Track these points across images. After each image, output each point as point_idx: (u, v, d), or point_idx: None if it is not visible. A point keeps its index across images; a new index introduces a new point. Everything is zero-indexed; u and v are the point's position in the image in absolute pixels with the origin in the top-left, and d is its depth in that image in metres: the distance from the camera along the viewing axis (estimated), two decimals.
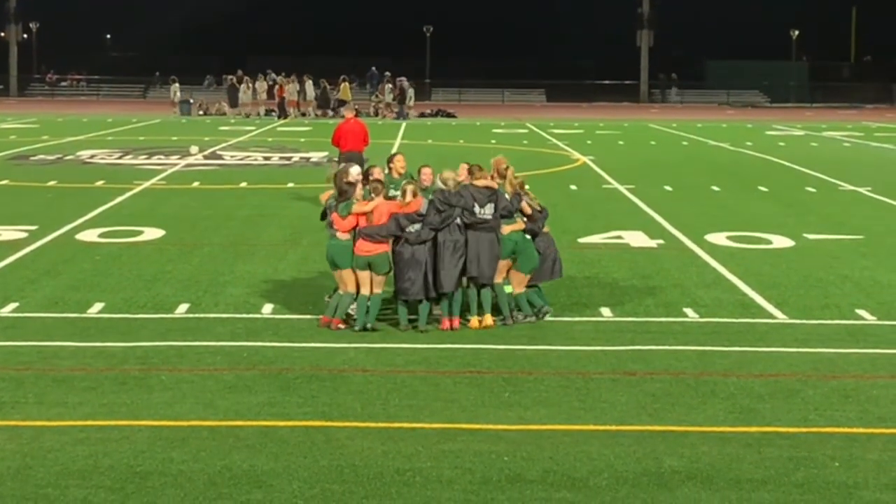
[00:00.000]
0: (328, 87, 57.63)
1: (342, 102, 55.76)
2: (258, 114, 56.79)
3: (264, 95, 58.36)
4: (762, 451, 8.86)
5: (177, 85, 62.14)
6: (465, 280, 12.68)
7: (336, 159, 22.29)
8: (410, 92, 57.20)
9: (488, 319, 12.62)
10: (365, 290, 12.45)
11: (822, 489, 8.14)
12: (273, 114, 56.08)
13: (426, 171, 13.55)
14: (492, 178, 12.94)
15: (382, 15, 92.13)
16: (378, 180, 12.93)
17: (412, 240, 12.41)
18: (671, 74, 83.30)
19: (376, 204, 12.45)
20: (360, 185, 12.77)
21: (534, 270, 12.87)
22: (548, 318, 12.91)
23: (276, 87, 57.19)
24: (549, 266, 13.08)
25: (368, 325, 12.40)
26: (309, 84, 57.37)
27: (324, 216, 13.10)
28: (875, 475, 8.41)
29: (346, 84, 57.49)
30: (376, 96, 58.45)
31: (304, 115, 56.74)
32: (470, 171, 12.82)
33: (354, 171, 13.28)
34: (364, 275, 12.44)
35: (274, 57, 72.81)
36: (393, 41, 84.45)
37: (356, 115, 23.80)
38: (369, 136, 22.41)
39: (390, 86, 58.01)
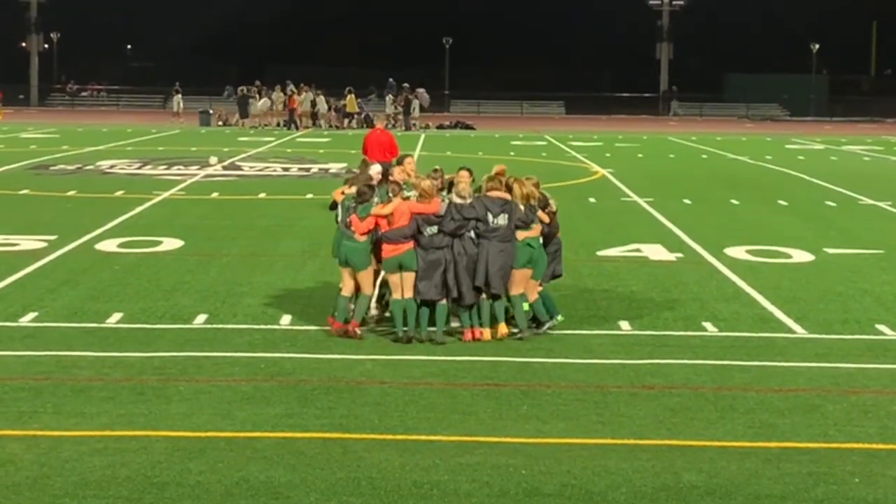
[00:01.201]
0: (317, 97, 57.43)
1: (349, 114, 56.16)
2: (278, 124, 56.86)
3: (281, 106, 58.46)
4: (781, 466, 8.81)
5: (179, 96, 62.29)
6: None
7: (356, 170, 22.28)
8: (415, 103, 57.19)
9: (503, 329, 12.60)
10: (397, 294, 12.46)
11: None
12: (291, 125, 56.16)
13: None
14: (497, 175, 12.95)
15: (402, 27, 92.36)
16: (397, 182, 12.97)
17: (425, 244, 12.42)
18: (671, 87, 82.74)
19: (395, 206, 12.48)
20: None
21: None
22: (565, 330, 12.86)
23: (290, 98, 57.33)
24: (550, 268, 13.10)
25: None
26: (321, 97, 57.45)
27: (333, 206, 13.13)
28: (895, 492, 8.35)
29: (353, 96, 57.62)
30: (395, 107, 58.56)
31: (318, 126, 56.83)
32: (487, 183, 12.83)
33: (374, 171, 13.35)
34: (395, 277, 12.46)
35: (293, 67, 72.93)
36: (411, 53, 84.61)
37: (384, 126, 23.82)
38: (397, 147, 22.24)
39: (390, 97, 58.14)
